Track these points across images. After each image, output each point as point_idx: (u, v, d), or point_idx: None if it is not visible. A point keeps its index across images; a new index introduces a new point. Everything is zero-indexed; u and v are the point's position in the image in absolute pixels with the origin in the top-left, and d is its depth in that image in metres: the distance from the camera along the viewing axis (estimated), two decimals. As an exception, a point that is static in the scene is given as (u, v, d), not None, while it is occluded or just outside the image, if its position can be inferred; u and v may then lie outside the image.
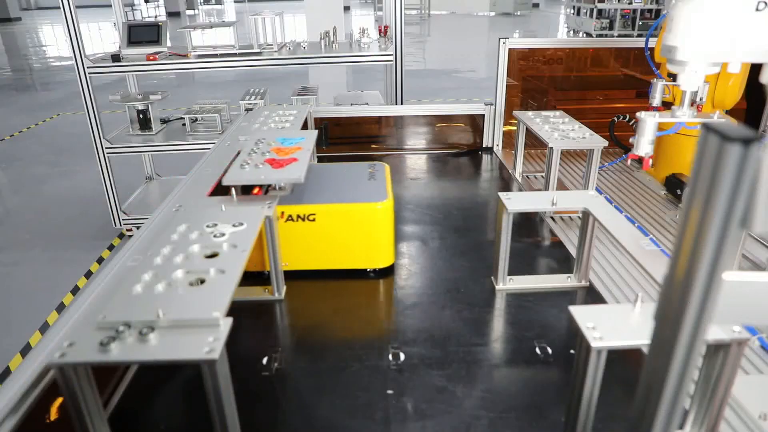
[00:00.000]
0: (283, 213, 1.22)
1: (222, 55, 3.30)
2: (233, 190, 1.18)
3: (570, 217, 1.66)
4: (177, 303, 0.74)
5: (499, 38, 2.15)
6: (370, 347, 1.04)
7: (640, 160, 1.36)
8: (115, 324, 0.69)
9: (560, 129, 1.63)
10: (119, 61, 3.34)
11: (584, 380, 0.69)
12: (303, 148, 1.36)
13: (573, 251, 1.35)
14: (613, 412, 0.85)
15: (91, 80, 3.30)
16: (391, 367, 0.98)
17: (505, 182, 1.96)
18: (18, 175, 5.32)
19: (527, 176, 2.02)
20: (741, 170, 0.30)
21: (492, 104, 2.22)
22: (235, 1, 29.48)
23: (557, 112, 1.80)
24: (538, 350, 1.02)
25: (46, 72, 11.02)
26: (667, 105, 1.47)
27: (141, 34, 3.47)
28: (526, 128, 1.77)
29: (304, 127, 1.85)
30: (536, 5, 22.56)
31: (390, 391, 0.92)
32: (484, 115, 2.23)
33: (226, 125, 3.53)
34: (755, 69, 1.28)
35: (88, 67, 3.26)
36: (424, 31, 16.84)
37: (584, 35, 12.63)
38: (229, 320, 0.70)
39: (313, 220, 1.23)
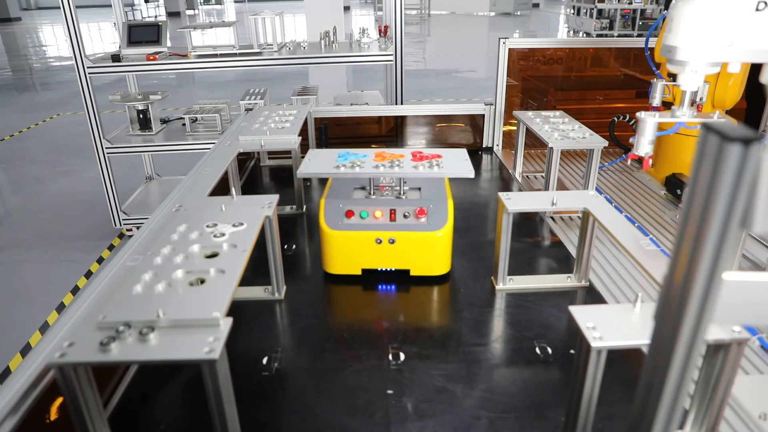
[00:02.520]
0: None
1: (222, 55, 3.30)
2: (233, 190, 1.18)
3: (570, 217, 1.66)
4: (177, 303, 0.74)
5: (499, 38, 2.15)
6: (370, 347, 1.04)
7: (640, 160, 1.36)
8: (115, 324, 0.69)
9: (560, 129, 1.63)
10: (119, 61, 3.34)
11: (584, 380, 0.69)
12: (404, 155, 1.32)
13: (573, 251, 1.35)
14: (613, 412, 0.85)
15: (91, 80, 3.30)
16: (391, 367, 0.98)
17: (505, 182, 1.96)
18: (18, 175, 5.32)
19: (527, 176, 2.02)
20: (741, 170, 0.30)
21: (492, 104, 2.22)
22: (235, 1, 29.48)
23: (557, 112, 1.80)
24: (538, 350, 1.02)
25: (46, 72, 11.01)
26: (667, 105, 1.47)
27: (141, 34, 3.47)
28: (526, 128, 1.77)
29: (305, 126, 1.85)
30: (536, 5, 22.55)
31: (390, 391, 0.92)
32: (484, 115, 2.23)
33: (226, 125, 3.53)
34: (755, 69, 1.28)
35: (88, 67, 3.26)
36: (424, 31, 16.83)
37: (584, 35, 12.63)
38: (229, 320, 0.70)
39: None
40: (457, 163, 1.24)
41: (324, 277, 1.28)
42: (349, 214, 1.22)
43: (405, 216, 1.20)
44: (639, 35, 11.03)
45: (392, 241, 1.19)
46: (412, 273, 1.23)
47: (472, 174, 1.17)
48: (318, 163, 1.27)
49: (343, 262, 1.24)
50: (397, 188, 1.26)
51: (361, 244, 1.21)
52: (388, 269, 1.24)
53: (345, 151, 1.31)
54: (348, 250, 1.22)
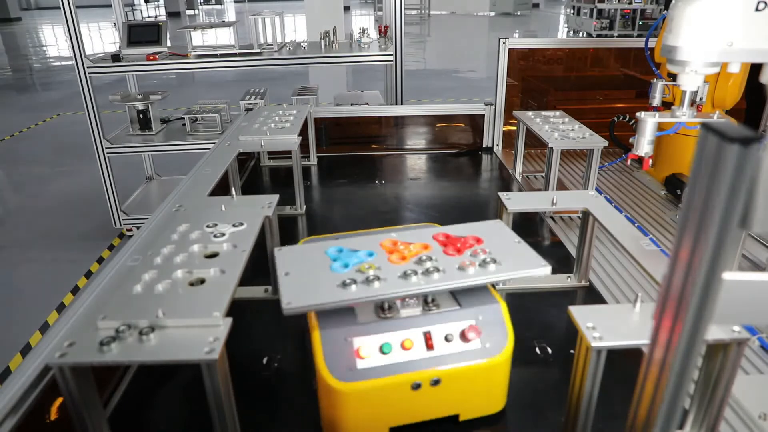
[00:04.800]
0: None
1: (222, 55, 3.30)
2: (233, 190, 1.18)
3: (570, 217, 1.66)
4: (177, 303, 0.74)
5: (499, 38, 2.15)
6: None
7: (640, 160, 1.36)
8: (115, 324, 0.69)
9: (560, 129, 1.63)
10: (119, 61, 3.34)
11: (584, 380, 0.69)
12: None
13: (573, 251, 1.35)
14: (613, 412, 0.85)
15: (91, 80, 3.30)
16: None
17: (505, 182, 1.95)
18: (18, 175, 5.32)
19: (527, 176, 2.02)
20: (740, 170, 0.30)
21: (492, 104, 2.22)
22: (235, 1, 29.47)
23: (557, 112, 1.80)
24: (538, 350, 1.02)
25: (46, 72, 11.01)
26: (667, 105, 1.47)
27: (141, 34, 3.47)
28: (526, 128, 1.77)
29: (304, 127, 1.85)
30: (536, 5, 22.56)
31: None
32: (484, 115, 2.23)
33: (226, 125, 3.53)
34: (755, 69, 1.28)
35: (88, 67, 3.26)
36: (424, 31, 16.83)
37: (584, 35, 12.63)
38: (229, 320, 0.70)
39: None
40: (505, 246, 0.85)
41: None
42: (365, 351, 0.77)
43: (447, 339, 0.80)
44: (639, 35, 11.02)
45: (436, 382, 0.78)
46: (462, 418, 0.85)
47: (548, 270, 0.80)
48: (303, 275, 0.79)
49: (362, 425, 0.79)
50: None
51: (392, 395, 0.77)
52: (429, 420, 0.83)
53: (335, 247, 0.86)
54: (371, 408, 0.78)
